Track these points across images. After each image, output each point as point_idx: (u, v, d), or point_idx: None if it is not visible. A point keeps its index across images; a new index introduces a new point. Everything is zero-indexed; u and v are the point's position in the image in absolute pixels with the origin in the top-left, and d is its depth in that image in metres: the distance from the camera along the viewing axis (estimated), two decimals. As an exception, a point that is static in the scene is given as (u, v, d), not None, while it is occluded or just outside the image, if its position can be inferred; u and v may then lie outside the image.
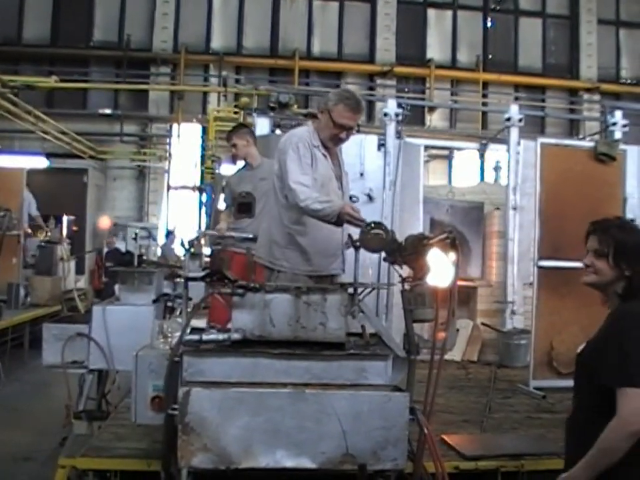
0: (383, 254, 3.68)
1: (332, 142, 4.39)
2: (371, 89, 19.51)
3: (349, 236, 4.03)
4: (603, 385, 2.53)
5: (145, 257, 6.72)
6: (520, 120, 7.42)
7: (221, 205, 6.73)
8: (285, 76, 18.63)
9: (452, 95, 19.88)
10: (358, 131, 5.29)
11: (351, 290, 3.38)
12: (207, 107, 18.42)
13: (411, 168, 7.26)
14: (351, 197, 5.32)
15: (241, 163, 6.44)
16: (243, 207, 5.93)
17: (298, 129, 4.61)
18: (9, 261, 10.40)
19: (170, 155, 18.28)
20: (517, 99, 19.11)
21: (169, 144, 18.48)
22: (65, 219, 13.91)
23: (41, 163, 15.75)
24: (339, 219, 4.00)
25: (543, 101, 19.87)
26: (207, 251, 8.14)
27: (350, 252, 4.05)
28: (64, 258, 11.61)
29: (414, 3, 19.90)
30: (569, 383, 2.83)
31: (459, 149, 16.28)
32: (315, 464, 2.99)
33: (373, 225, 3.60)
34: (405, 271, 3.52)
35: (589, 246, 2.75)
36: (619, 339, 2.53)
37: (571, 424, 2.76)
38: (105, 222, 10.43)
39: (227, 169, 16.46)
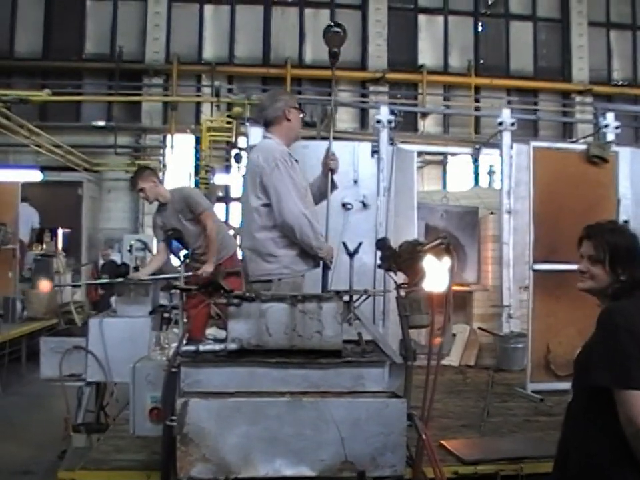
0: (378, 261, 3.69)
1: (293, 141, 4.47)
2: (364, 95, 19.54)
3: (343, 244, 4.04)
4: (595, 387, 2.49)
5: (140, 269, 6.71)
6: (512, 124, 7.44)
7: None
8: (277, 84, 18.60)
9: (444, 100, 19.87)
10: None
11: (346, 297, 3.38)
12: (199, 117, 18.41)
13: (404, 174, 7.26)
14: (345, 205, 5.34)
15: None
16: (180, 242, 6.32)
17: (267, 145, 4.39)
18: (5, 274, 10.39)
19: (164, 165, 18.24)
20: (509, 102, 19.14)
21: (163, 155, 18.45)
22: (60, 231, 13.90)
23: (35, 176, 15.81)
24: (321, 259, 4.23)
25: (536, 104, 19.88)
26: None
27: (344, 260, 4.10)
28: (60, 271, 11.59)
29: (405, 9, 19.89)
30: (567, 385, 2.82)
31: (452, 154, 16.30)
32: (314, 472, 2.99)
33: (333, 24, 3.58)
34: (400, 277, 3.53)
35: (583, 251, 2.74)
36: (608, 337, 2.50)
37: (566, 429, 2.76)
38: (45, 285, 10.48)
39: (221, 179, 16.60)
